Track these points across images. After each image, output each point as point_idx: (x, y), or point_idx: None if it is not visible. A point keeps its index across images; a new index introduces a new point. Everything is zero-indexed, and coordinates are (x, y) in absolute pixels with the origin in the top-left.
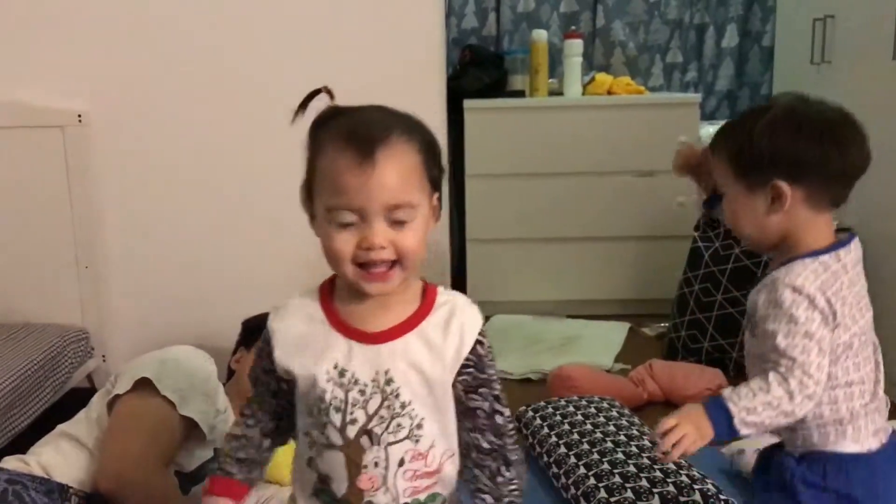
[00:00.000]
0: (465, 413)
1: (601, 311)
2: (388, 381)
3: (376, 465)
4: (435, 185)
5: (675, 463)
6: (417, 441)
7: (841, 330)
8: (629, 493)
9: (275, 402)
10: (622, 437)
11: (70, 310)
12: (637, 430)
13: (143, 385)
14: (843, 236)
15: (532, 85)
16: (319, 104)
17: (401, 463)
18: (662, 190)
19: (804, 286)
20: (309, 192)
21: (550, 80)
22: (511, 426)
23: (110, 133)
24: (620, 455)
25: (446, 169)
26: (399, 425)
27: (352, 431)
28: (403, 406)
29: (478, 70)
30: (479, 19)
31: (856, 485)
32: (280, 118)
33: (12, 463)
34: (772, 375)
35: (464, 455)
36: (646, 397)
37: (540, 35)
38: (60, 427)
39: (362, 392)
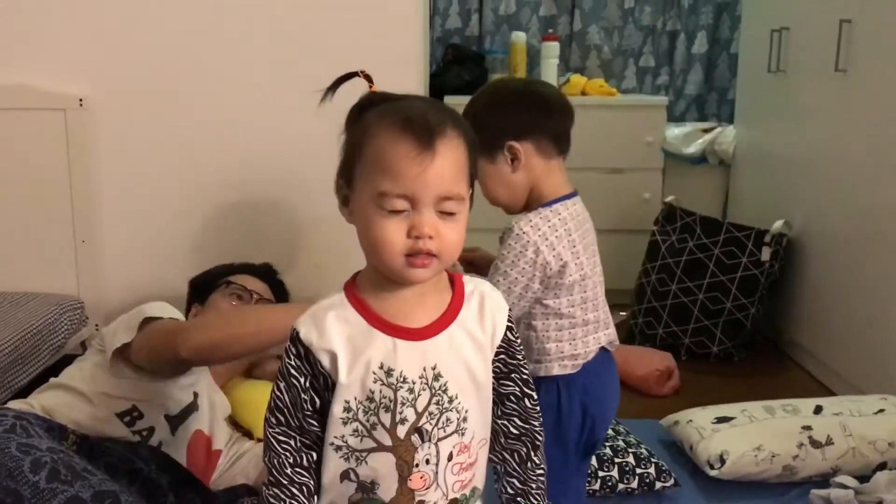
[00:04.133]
0: (496, 399)
1: None
2: (437, 377)
3: (427, 462)
4: (471, 181)
5: (626, 442)
6: (463, 434)
7: (573, 269)
8: None
9: (315, 429)
10: None
11: (67, 281)
12: None
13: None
14: (569, 192)
15: None
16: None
17: (450, 457)
18: (629, 186)
19: (528, 231)
20: (347, 176)
21: None
22: (538, 409)
23: (110, 116)
24: None
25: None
26: (448, 420)
27: (402, 431)
28: (451, 400)
29: (459, 68)
30: (462, 20)
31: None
32: (268, 104)
33: (17, 404)
34: None
35: (491, 440)
36: None
37: (519, 37)
38: (53, 380)
39: (411, 390)
